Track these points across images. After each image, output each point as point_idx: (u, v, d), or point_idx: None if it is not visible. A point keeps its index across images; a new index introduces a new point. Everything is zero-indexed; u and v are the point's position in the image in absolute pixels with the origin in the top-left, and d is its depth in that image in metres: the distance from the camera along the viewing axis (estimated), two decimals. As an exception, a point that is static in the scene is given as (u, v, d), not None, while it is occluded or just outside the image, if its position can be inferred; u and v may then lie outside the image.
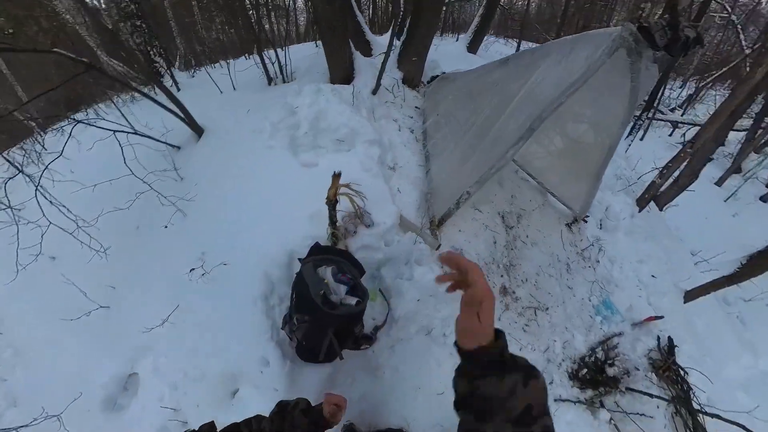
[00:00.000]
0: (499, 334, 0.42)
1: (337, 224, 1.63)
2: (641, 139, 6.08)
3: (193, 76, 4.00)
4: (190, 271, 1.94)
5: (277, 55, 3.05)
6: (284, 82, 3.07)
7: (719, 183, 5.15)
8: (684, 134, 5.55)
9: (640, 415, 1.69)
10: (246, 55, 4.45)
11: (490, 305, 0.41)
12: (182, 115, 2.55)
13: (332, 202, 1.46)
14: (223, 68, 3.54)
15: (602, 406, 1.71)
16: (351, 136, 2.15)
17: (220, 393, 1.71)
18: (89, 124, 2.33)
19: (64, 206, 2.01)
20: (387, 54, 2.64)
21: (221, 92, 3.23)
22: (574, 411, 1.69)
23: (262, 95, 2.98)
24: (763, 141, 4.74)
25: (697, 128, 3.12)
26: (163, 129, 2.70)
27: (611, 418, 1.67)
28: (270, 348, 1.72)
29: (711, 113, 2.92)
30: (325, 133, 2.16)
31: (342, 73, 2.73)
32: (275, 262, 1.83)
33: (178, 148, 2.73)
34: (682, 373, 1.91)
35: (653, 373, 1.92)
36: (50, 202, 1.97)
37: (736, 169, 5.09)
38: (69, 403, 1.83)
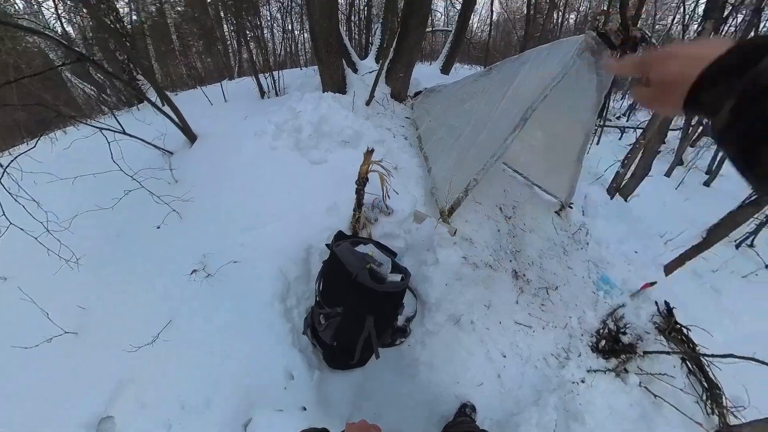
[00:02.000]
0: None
1: (363, 208, 1.63)
2: (597, 144, 6.84)
3: (176, 95, 3.97)
4: (192, 272, 1.77)
5: (271, 71, 3.15)
6: (277, 95, 3.16)
7: (668, 174, 6.01)
8: (635, 130, 6.38)
9: (663, 374, 1.77)
10: (228, 79, 4.53)
11: (673, 76, 0.28)
12: (176, 119, 2.48)
13: (363, 180, 1.47)
14: (201, 91, 3.57)
15: (627, 371, 1.78)
16: (356, 138, 2.23)
17: (232, 424, 1.42)
18: (73, 118, 2.13)
19: (33, 200, 1.75)
20: (381, 68, 2.86)
21: (212, 104, 3.22)
22: (606, 380, 1.75)
23: (258, 105, 3.02)
24: (695, 137, 5.65)
25: (641, 130, 3.71)
26: (155, 133, 2.55)
27: (640, 382, 1.74)
28: (293, 356, 1.53)
29: (650, 117, 3.43)
30: (329, 136, 2.23)
31: (335, 87, 2.89)
32: (291, 258, 1.74)
33: (171, 153, 2.62)
34: (685, 331, 2.06)
35: (661, 336, 2.04)
36: (12, 196, 1.65)
37: (678, 161, 5.97)
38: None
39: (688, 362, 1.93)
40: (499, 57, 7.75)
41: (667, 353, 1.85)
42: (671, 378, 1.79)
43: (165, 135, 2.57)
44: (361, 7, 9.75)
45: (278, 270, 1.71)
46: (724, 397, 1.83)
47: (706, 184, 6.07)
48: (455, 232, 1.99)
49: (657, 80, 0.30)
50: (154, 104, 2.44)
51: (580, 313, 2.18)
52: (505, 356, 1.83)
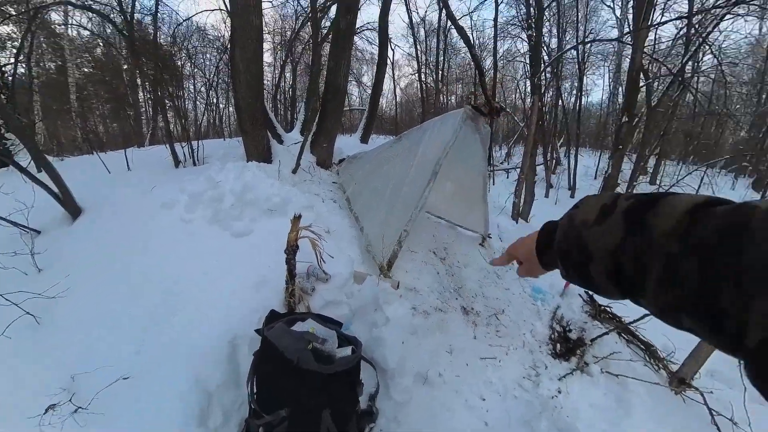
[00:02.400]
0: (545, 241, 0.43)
1: (296, 279, 1.49)
2: (494, 184, 8.44)
3: (62, 160, 3.29)
4: (47, 410, 1.19)
5: (189, 140, 3.00)
6: (195, 165, 2.96)
7: (546, 195, 7.93)
8: (516, 170, 8.26)
9: (612, 353, 1.95)
10: (136, 146, 4.14)
11: (526, 256, 0.46)
12: (55, 189, 1.96)
13: (292, 248, 1.38)
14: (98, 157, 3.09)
15: (587, 364, 1.89)
16: (283, 205, 2.19)
17: None
18: None
19: None
20: (306, 139, 3.10)
21: (109, 172, 2.76)
22: (576, 381, 1.82)
23: (171, 174, 2.73)
24: (553, 167, 7.72)
25: (519, 169, 4.94)
26: (17, 206, 1.92)
27: (602, 369, 1.85)
28: None
29: (522, 159, 4.62)
30: (254, 205, 2.12)
31: (260, 157, 2.94)
32: (211, 358, 1.37)
33: (38, 232, 1.98)
34: (609, 309, 2.38)
35: (595, 320, 2.30)
36: None
37: (549, 185, 7.89)
38: None
39: (623, 334, 2.19)
40: (405, 127, 9.51)
41: (606, 333, 2.07)
42: (619, 353, 1.98)
43: (32, 208, 1.98)
44: (287, 89, 10.94)
45: (193, 379, 1.31)
46: (659, 351, 2.09)
47: (572, 196, 8.38)
48: (398, 285, 1.99)
49: (522, 260, 0.48)
50: (23, 169, 1.92)
51: (530, 327, 2.30)
52: (484, 399, 1.72)
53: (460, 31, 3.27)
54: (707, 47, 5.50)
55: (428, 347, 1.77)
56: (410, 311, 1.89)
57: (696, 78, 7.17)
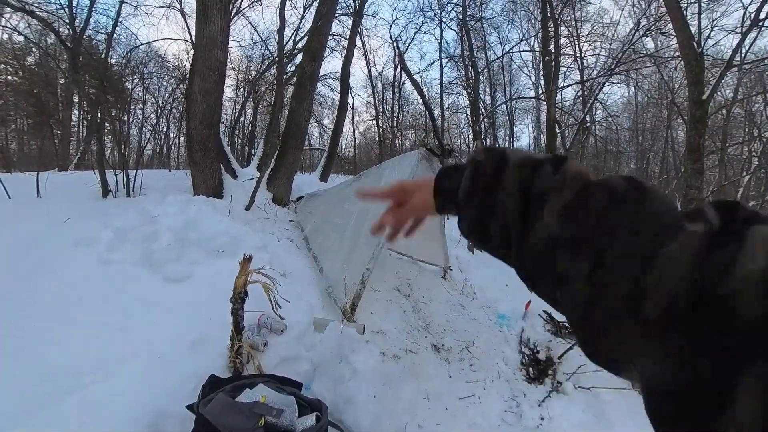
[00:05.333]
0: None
1: (244, 333, 1.25)
2: (447, 219, 9.03)
3: None
4: None
5: (124, 167, 2.59)
6: (128, 196, 2.55)
7: None
8: None
9: (579, 366, 1.99)
10: (57, 170, 3.46)
11: (419, 187, 0.39)
12: None
13: (240, 295, 1.17)
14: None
15: (561, 383, 1.91)
16: (232, 245, 1.95)
17: None
18: None
19: None
20: (262, 174, 2.95)
21: (9, 197, 2.18)
22: (555, 402, 1.80)
23: (95, 205, 2.28)
24: None
25: None
26: None
27: (574, 384, 1.88)
28: None
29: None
30: (198, 244, 1.85)
31: (210, 191, 2.69)
32: None
33: None
34: (568, 324, 2.50)
35: (558, 337, 2.38)
36: None
37: None
38: None
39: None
40: (364, 167, 9.99)
41: (571, 348, 2.13)
42: (585, 365, 2.02)
43: None
44: (246, 124, 10.62)
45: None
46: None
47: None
48: (364, 330, 1.84)
49: (415, 188, 0.40)
50: None
51: (501, 354, 2.27)
52: (469, 446, 1.57)
53: (415, 83, 3.68)
54: (598, 104, 7.51)
55: (403, 397, 1.60)
56: (380, 357, 1.73)
57: (594, 126, 9.14)
